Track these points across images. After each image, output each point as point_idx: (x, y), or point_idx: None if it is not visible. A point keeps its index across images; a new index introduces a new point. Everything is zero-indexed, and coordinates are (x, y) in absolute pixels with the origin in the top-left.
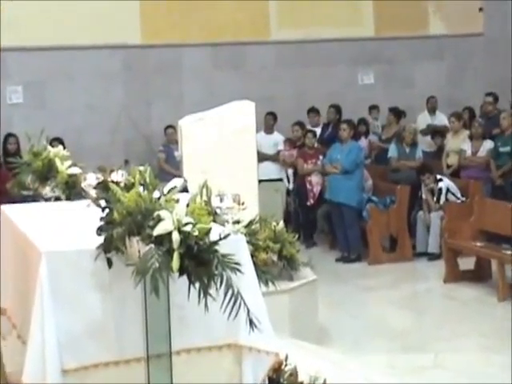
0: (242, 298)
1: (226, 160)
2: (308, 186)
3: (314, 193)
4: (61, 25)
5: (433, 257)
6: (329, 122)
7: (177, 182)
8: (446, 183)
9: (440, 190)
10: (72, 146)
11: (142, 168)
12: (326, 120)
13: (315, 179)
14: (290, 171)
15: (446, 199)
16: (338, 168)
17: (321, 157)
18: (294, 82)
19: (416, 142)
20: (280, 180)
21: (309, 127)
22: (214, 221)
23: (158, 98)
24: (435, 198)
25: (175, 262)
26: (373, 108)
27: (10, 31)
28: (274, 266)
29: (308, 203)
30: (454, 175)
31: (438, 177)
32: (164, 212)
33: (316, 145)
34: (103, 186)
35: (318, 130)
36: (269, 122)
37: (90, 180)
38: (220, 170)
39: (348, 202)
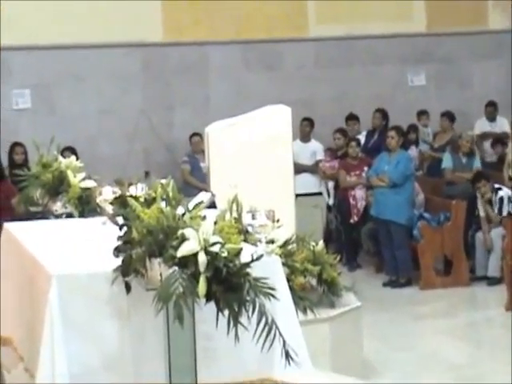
0: (276, 327)
1: (259, 172)
2: (351, 200)
3: (357, 209)
4: (71, 21)
5: (493, 281)
6: (374, 129)
7: (203, 197)
8: (506, 192)
9: (501, 199)
10: (85, 156)
11: (164, 181)
12: (372, 126)
13: (359, 193)
14: (331, 184)
15: (510, 213)
16: (385, 181)
17: (365, 168)
18: (334, 84)
19: (474, 151)
20: (319, 194)
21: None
22: (245, 240)
23: (181, 102)
24: (496, 210)
25: (201, 287)
26: (422, 113)
27: (15, 28)
28: (313, 292)
29: (351, 220)
30: None
31: (496, 186)
32: (189, 230)
33: (360, 154)
34: (121, 202)
35: (362, 138)
36: (305, 128)
37: (106, 194)
38: (252, 183)
39: (396, 219)
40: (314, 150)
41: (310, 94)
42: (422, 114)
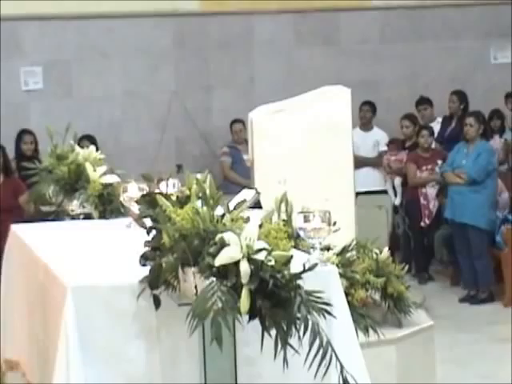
0: (333, 349)
1: (312, 166)
2: (422, 200)
3: (429, 210)
4: None
5: None
6: (451, 115)
7: (246, 195)
8: None
9: None
10: (107, 146)
11: (199, 176)
12: (448, 112)
13: (432, 192)
14: (398, 181)
15: None
16: (462, 177)
17: (439, 162)
18: (402, 62)
19: None
20: (384, 192)
21: (421, 122)
22: (296, 246)
23: (221, 82)
24: None
25: (244, 302)
26: (509, 96)
27: None
28: (377, 308)
29: (422, 224)
30: None
31: None
32: (229, 235)
33: (433, 145)
34: (149, 200)
35: (436, 126)
36: (366, 114)
37: (132, 192)
38: (304, 178)
39: (476, 223)
40: (376, 139)
41: (373, 73)
42: (509, 96)
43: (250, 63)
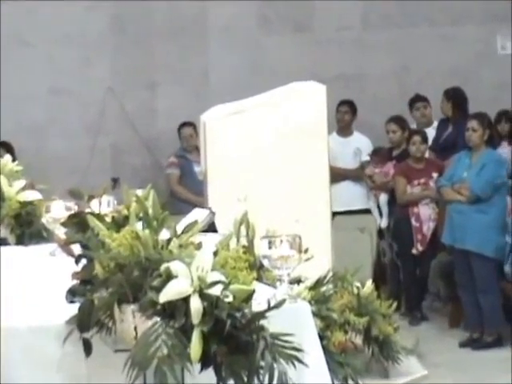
0: None
1: (280, 180)
2: (414, 222)
3: (423, 234)
4: None
5: None
6: (448, 117)
7: (198, 215)
8: None
9: None
10: (27, 155)
11: (140, 192)
12: (444, 113)
13: (426, 211)
14: (384, 198)
15: None
16: (464, 193)
17: (435, 175)
18: (391, 53)
19: None
20: (367, 212)
21: (414, 127)
22: (260, 279)
23: (167, 77)
24: None
25: (195, 347)
26: None
27: None
28: (358, 354)
29: (414, 251)
30: None
31: None
32: (177, 264)
33: (427, 154)
34: (78, 222)
35: (431, 132)
36: (344, 116)
37: (57, 212)
38: (269, 195)
39: (481, 250)
40: (358, 147)
41: (354, 66)
42: None
43: (204, 54)
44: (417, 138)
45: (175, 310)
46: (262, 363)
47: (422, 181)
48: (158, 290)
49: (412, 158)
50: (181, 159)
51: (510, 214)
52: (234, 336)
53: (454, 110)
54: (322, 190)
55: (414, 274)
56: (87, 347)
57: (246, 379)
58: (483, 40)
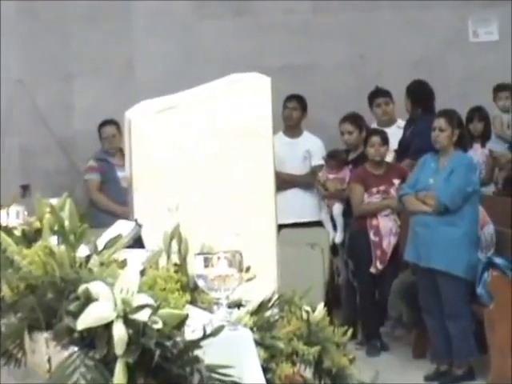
0: None
1: (217, 187)
2: (372, 236)
3: (382, 249)
4: None
5: None
6: (414, 115)
7: (123, 228)
8: None
9: None
10: None
11: (55, 201)
12: (409, 111)
13: (386, 224)
14: (338, 208)
15: None
16: (429, 203)
17: (396, 181)
18: (346, 40)
19: None
20: (318, 225)
21: (375, 126)
22: (194, 302)
23: (85, 68)
24: None
25: (119, 382)
26: (500, 89)
27: None
28: None
29: (372, 269)
30: None
31: None
32: (98, 285)
33: (390, 158)
34: None
35: (396, 132)
36: (293, 113)
37: None
38: (204, 205)
39: (450, 269)
40: (308, 149)
41: (303, 55)
42: (499, 89)
43: (128, 41)
44: (375, 139)
45: (95, 339)
46: None
47: (382, 188)
48: (76, 315)
49: (370, 162)
50: (102, 163)
51: (483, 226)
52: (163, 368)
53: (413, 107)
54: (267, 198)
55: (373, 297)
56: None
57: None
58: (453, 26)
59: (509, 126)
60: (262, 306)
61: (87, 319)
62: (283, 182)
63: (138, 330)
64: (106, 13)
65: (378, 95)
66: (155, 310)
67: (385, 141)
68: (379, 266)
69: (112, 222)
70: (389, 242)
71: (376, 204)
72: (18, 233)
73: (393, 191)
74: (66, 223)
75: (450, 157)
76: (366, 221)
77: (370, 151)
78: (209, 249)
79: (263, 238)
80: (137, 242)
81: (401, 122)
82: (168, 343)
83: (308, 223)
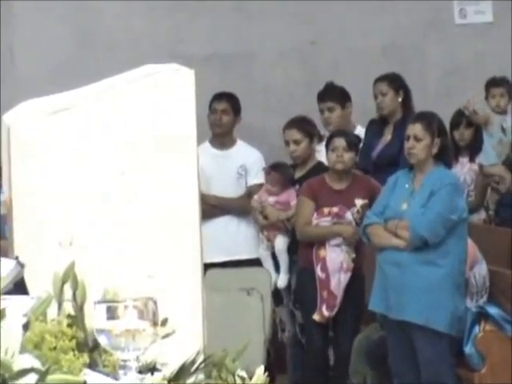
0: None
1: (123, 214)
2: (319, 271)
3: (329, 291)
4: None
5: None
6: (383, 118)
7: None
8: None
9: None
10: None
11: None
12: (377, 112)
13: (336, 256)
14: (282, 242)
15: None
16: (402, 235)
17: (359, 202)
18: (290, 23)
19: None
20: (256, 264)
21: (326, 134)
22: (94, 365)
23: None
24: None
25: None
26: (494, 84)
27: None
28: None
29: (315, 316)
30: None
31: None
32: None
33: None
34: None
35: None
36: (222, 117)
37: None
38: (107, 238)
39: (428, 322)
40: (242, 164)
41: (238, 43)
42: (493, 85)
43: (7, 26)
44: (339, 143)
45: None
46: None
47: (335, 210)
48: None
49: (330, 173)
50: None
51: (473, 266)
52: None
53: (392, 108)
54: (189, 229)
55: (327, 358)
56: None
57: None
58: (435, 4)
59: (505, 131)
60: (184, 371)
61: None
62: (211, 208)
63: None
64: None
65: (327, 94)
66: (43, 375)
67: (351, 146)
68: (325, 312)
69: None
70: (338, 281)
71: (325, 229)
72: None
73: (349, 215)
74: None
75: (428, 174)
76: (317, 254)
77: (330, 157)
78: (113, 295)
79: (185, 282)
80: (18, 287)
81: (360, 128)
82: None
83: (243, 262)
